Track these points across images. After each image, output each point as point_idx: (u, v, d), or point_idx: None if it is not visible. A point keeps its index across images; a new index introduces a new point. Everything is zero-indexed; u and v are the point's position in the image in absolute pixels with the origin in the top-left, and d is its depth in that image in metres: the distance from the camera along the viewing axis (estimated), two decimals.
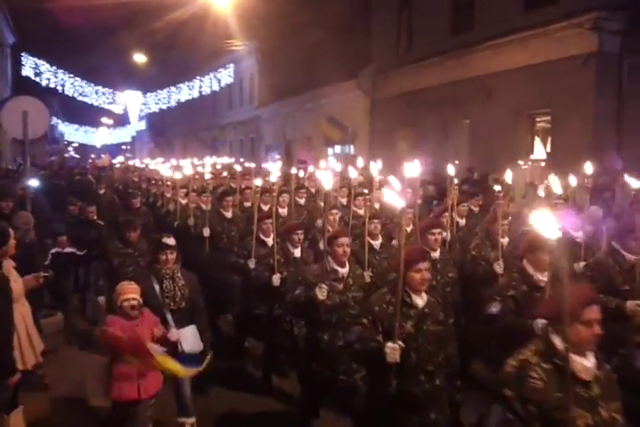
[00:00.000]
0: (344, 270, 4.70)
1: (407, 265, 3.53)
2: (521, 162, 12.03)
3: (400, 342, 3.39)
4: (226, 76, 32.38)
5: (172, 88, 37.97)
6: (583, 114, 11.56)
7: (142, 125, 49.49)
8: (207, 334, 4.83)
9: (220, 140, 35.00)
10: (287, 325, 4.91)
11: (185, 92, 37.11)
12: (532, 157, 13.30)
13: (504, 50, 13.23)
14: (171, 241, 4.84)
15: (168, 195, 10.53)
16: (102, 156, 29.82)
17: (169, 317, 4.60)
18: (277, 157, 26.47)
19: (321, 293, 4.45)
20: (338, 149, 21.29)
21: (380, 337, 3.49)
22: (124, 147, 55.47)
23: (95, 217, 8.59)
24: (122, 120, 48.65)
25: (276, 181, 8.19)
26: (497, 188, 6.08)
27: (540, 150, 13.42)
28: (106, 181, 13.78)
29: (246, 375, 6.26)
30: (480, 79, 14.05)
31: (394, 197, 3.34)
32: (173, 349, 4.43)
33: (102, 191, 11.83)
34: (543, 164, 12.80)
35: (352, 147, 20.86)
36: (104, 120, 51.71)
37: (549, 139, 13.03)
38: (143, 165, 20.89)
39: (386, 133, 18.26)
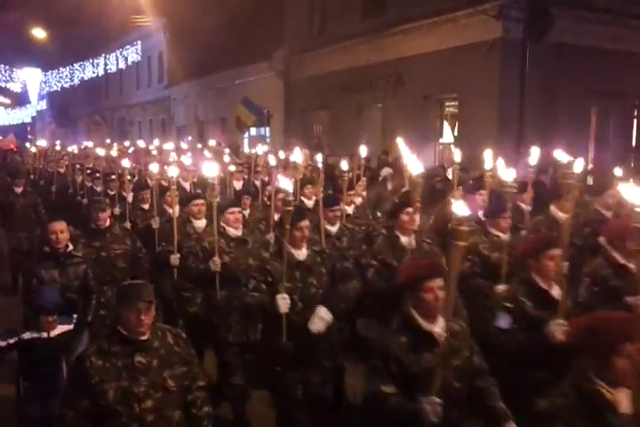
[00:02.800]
0: None
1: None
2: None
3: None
4: (133, 53, 31.10)
5: (76, 66, 36.08)
6: (488, 99, 12.02)
7: (43, 105, 46.83)
8: None
9: (127, 121, 33.71)
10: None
11: (89, 69, 35.42)
12: (442, 140, 13.73)
13: (414, 35, 13.48)
14: None
15: (146, 206, 7.10)
16: None
17: None
18: (190, 138, 25.86)
19: None
20: (253, 131, 21.08)
21: None
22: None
23: None
24: (21, 99, 45.80)
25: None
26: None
27: (448, 134, 13.86)
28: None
29: None
30: (391, 64, 14.27)
31: None
32: None
33: (19, 189, 8.44)
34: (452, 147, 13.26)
35: (267, 129, 20.71)
36: (0, 99, 48.40)
37: (457, 123, 13.49)
38: (70, 149, 16.57)
39: (300, 116, 18.24)
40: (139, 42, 30.39)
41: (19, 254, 8.29)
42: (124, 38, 30.82)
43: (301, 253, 3.97)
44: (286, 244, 3.88)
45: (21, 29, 32.97)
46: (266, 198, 7.16)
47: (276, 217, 5.77)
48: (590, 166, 11.08)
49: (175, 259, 5.19)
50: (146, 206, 7.07)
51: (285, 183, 4.24)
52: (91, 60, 34.65)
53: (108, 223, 5.45)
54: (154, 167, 7.42)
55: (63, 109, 42.44)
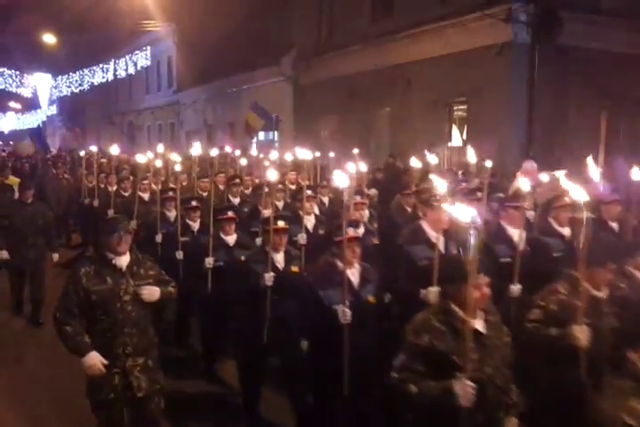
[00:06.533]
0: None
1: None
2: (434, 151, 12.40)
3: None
4: (142, 58, 31.27)
5: (85, 71, 36.34)
6: (497, 103, 11.98)
7: (53, 110, 47.17)
8: None
9: (136, 126, 33.87)
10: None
11: (99, 75, 35.64)
12: (450, 144, 13.69)
13: (422, 39, 13.47)
14: None
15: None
16: (11, 142, 27.34)
17: None
18: (199, 143, 25.88)
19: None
20: (261, 135, 21.12)
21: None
22: None
23: None
24: (31, 104, 46.15)
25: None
26: None
27: (457, 138, 13.83)
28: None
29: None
30: (399, 68, 14.27)
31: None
32: None
33: (124, 261, 3.80)
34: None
35: (276, 133, 20.75)
36: (12, 104, 48.81)
37: (466, 127, 13.46)
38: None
39: (309, 120, 18.26)
40: (148, 47, 30.55)
41: None
42: (133, 43, 31.00)
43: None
44: None
45: (32, 35, 33.26)
46: None
47: None
48: (600, 170, 10.99)
49: None
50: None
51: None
52: (100, 66, 34.89)
53: None
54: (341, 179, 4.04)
55: (73, 114, 42.73)
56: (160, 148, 11.46)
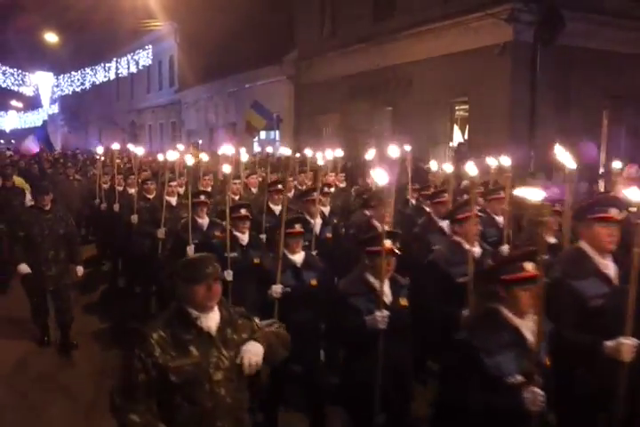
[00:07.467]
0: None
1: None
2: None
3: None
4: (144, 57, 31.33)
5: (87, 70, 36.40)
6: (499, 102, 11.99)
7: (55, 109, 47.24)
8: None
9: (138, 125, 33.91)
10: None
11: (101, 74, 35.72)
12: (452, 144, 13.70)
13: (424, 38, 13.48)
14: None
15: None
16: (13, 141, 27.19)
17: None
18: (200, 142, 25.96)
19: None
20: (262, 134, 21.15)
21: None
22: None
23: None
24: (33, 103, 46.21)
25: None
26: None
27: (458, 138, 13.84)
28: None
29: None
30: (401, 67, 14.28)
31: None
32: None
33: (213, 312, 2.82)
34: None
35: (277, 132, 20.77)
36: (13, 103, 48.90)
37: (467, 127, 13.46)
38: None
39: (311, 119, 18.28)
40: (150, 46, 30.60)
41: None
42: (135, 42, 31.05)
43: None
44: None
45: (34, 34, 33.27)
46: None
47: None
48: (602, 171, 11.02)
49: None
50: None
51: None
52: (102, 64, 34.96)
53: None
54: None
55: (75, 113, 42.78)
56: (180, 146, 10.56)
